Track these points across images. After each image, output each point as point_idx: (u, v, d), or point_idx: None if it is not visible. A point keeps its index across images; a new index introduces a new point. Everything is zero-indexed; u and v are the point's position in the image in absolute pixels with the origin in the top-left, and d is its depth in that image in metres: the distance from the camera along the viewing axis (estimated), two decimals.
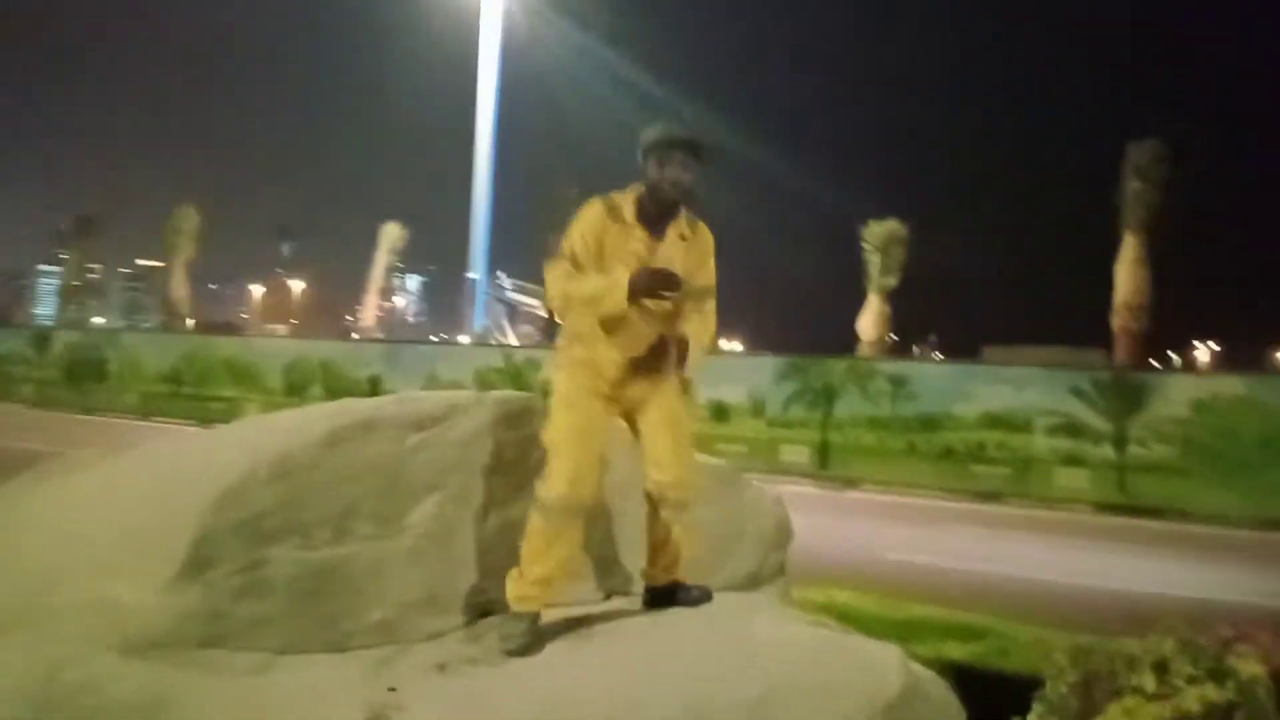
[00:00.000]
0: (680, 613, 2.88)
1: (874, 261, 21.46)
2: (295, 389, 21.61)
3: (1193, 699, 2.23)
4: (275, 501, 2.67)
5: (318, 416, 2.91)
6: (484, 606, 2.90)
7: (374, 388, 20.28)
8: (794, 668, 2.37)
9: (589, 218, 2.87)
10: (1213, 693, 2.23)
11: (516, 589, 2.75)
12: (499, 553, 2.96)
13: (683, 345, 2.81)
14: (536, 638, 2.67)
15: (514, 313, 35.86)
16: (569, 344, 2.92)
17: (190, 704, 2.30)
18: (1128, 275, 20.02)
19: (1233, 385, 15.02)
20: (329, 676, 2.49)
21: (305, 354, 22.17)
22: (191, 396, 22.47)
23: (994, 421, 16.10)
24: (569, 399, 2.84)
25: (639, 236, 2.85)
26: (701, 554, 3.05)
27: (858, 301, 21.65)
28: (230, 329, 31.49)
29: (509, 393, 3.20)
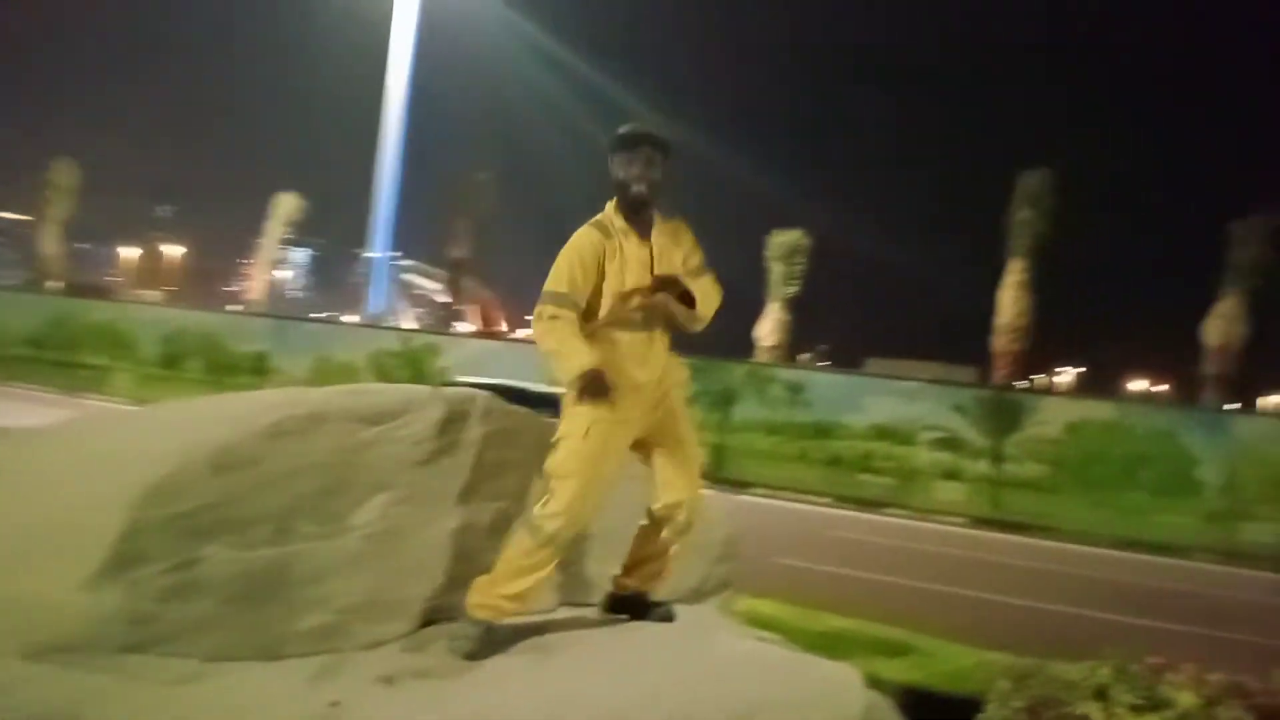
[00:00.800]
0: (640, 626, 2.82)
1: (776, 270, 21.90)
2: (173, 361, 20.46)
3: None
4: (213, 496, 2.48)
5: (262, 405, 2.72)
6: (428, 614, 2.78)
7: (260, 364, 19.40)
8: (763, 686, 2.36)
9: (580, 245, 2.78)
10: None
11: (482, 598, 2.63)
12: (447, 558, 2.84)
13: (687, 293, 2.84)
14: (488, 644, 2.58)
15: (412, 295, 34.92)
16: (592, 368, 2.82)
17: (110, 714, 2.11)
18: (1011, 298, 21.11)
19: (1103, 410, 16.03)
20: (264, 687, 2.32)
21: (185, 325, 20.97)
22: (56, 363, 20.93)
23: (882, 433, 16.69)
24: (587, 430, 2.68)
25: (632, 245, 2.82)
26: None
27: (759, 307, 22.05)
28: (102, 292, 29.42)
29: (463, 390, 3.07)
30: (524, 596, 2.66)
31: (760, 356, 21.37)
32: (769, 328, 21.86)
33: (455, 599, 2.82)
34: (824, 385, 17.39)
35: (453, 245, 25.21)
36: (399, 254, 33.34)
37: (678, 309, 2.85)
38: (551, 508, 2.63)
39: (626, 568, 2.97)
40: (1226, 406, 17.58)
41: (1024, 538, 14.30)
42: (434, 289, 31.12)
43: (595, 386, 2.59)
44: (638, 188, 2.81)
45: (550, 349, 2.71)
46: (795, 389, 17.24)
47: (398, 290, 33.77)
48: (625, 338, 2.80)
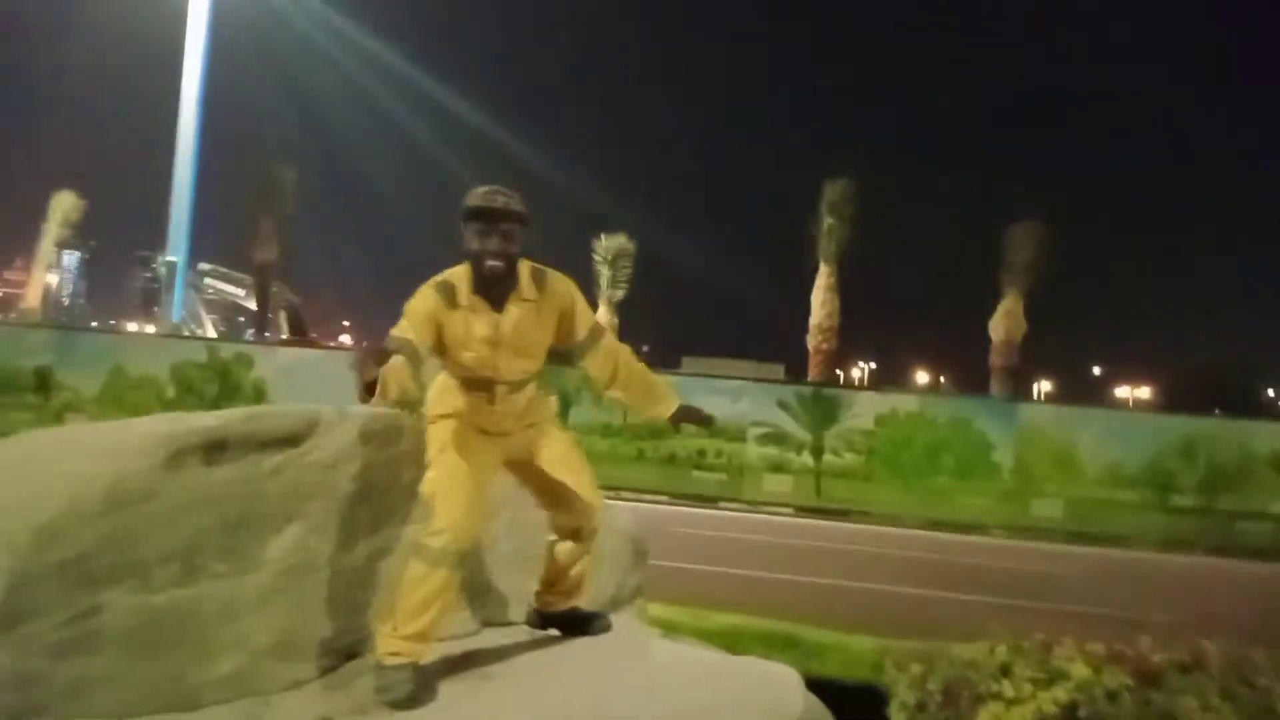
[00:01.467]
0: (573, 641, 2.79)
1: (604, 273, 22.19)
2: None
3: (1047, 701, 2.59)
4: (107, 537, 2.24)
5: (148, 432, 2.46)
6: (347, 649, 2.63)
7: (43, 381, 17.43)
8: (710, 689, 2.41)
9: (419, 309, 2.62)
10: (1062, 694, 2.61)
11: (388, 644, 2.46)
12: (365, 588, 2.71)
13: (692, 417, 3.03)
14: (422, 685, 2.43)
15: (212, 302, 32.23)
16: (440, 396, 2.73)
17: None
18: (821, 301, 22.50)
19: (908, 402, 17.31)
20: None
21: None
22: None
23: (712, 430, 17.25)
24: (449, 444, 2.62)
25: (480, 315, 2.65)
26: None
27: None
28: None
29: (373, 409, 2.91)
30: (427, 632, 2.50)
31: None
32: None
33: (374, 631, 2.69)
34: None
35: (257, 247, 23.71)
36: (197, 257, 30.79)
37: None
38: (434, 525, 2.52)
39: (546, 584, 2.93)
40: (1012, 395, 19.43)
41: (845, 523, 15.24)
42: (237, 294, 29.01)
43: (373, 356, 2.33)
44: (493, 263, 2.62)
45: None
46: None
47: (196, 296, 31.08)
48: (469, 395, 2.71)
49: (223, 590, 2.40)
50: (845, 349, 23.18)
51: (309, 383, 17.83)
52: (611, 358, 2.86)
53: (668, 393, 2.99)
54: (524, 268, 2.73)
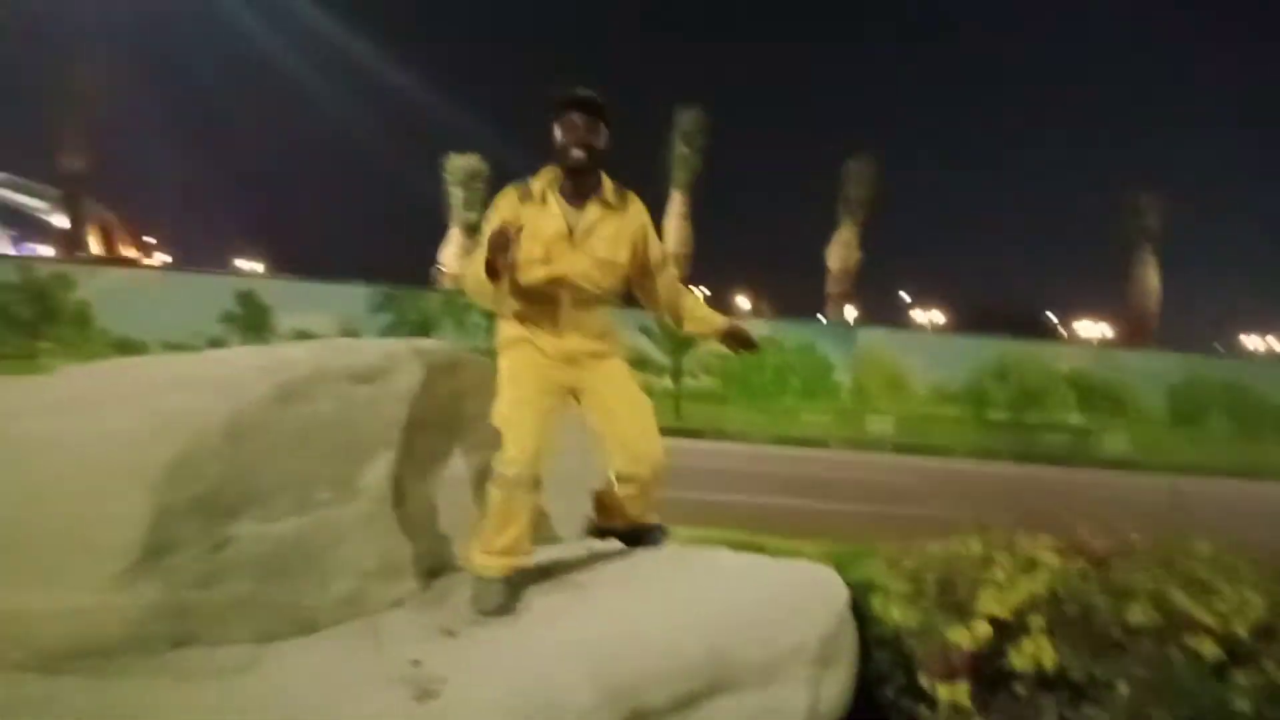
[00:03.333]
0: (642, 554, 3.02)
1: (456, 195, 21.68)
2: None
3: (1031, 585, 3.12)
4: (232, 469, 2.28)
5: (253, 366, 2.47)
6: (434, 569, 2.78)
7: None
8: (782, 589, 2.74)
9: (500, 207, 2.79)
10: (1042, 578, 3.14)
11: (480, 559, 2.63)
12: (445, 512, 2.85)
13: (739, 334, 3.10)
14: (511, 596, 2.62)
15: (10, 215, 28.53)
16: (505, 325, 2.85)
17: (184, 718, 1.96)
18: (675, 228, 23.04)
19: (760, 327, 18.26)
20: (332, 660, 2.25)
21: None
22: None
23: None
24: (512, 375, 2.75)
25: (555, 212, 2.75)
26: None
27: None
28: None
29: (435, 343, 3.00)
30: (514, 548, 2.66)
31: (444, 283, 21.21)
32: (452, 253, 21.70)
33: (451, 553, 2.85)
34: None
35: (63, 155, 21.34)
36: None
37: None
38: (505, 454, 2.65)
39: (602, 508, 3.07)
40: (849, 320, 20.81)
41: (703, 442, 16.07)
42: (38, 207, 25.88)
43: (497, 243, 2.56)
44: (576, 153, 2.72)
45: (462, 288, 2.82)
46: (493, 315, 17.40)
47: None
48: (535, 309, 2.81)
49: (331, 517, 2.49)
50: (694, 276, 23.99)
51: (138, 306, 16.59)
52: (676, 286, 3.03)
53: (713, 313, 3.15)
54: (608, 182, 2.82)
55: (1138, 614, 2.90)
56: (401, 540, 2.67)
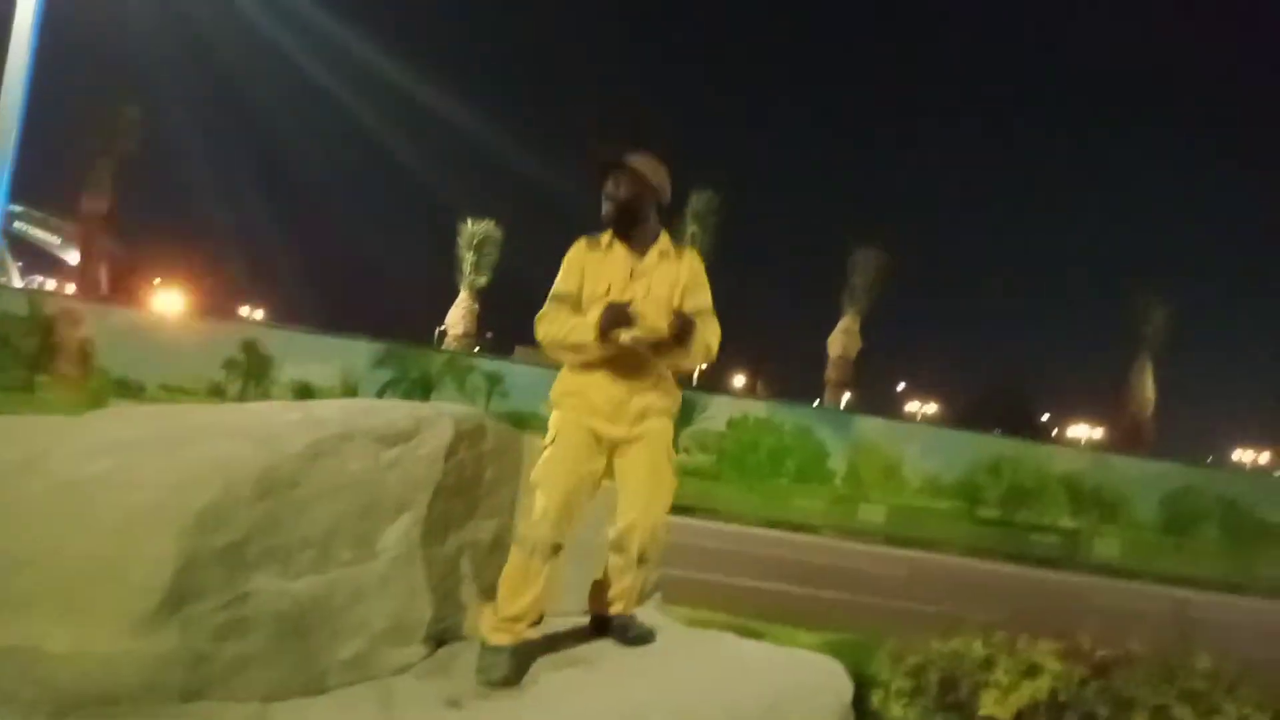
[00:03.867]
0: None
1: (468, 259, 21.96)
2: None
3: (1033, 689, 3.11)
4: (258, 522, 2.31)
5: (286, 422, 2.52)
6: (441, 635, 2.78)
7: None
8: (782, 680, 2.74)
9: (570, 256, 2.90)
10: (1044, 683, 3.14)
11: (493, 622, 2.64)
12: (456, 577, 2.86)
13: (688, 325, 2.78)
14: (518, 667, 2.61)
15: (24, 249, 28.76)
16: (564, 376, 2.90)
17: None
18: None
19: (758, 408, 18.33)
20: None
21: None
22: None
23: None
24: (558, 435, 2.79)
25: (618, 257, 2.86)
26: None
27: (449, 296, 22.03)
28: None
29: (462, 407, 3.05)
30: (524, 614, 2.67)
31: (450, 344, 21.36)
32: (458, 315, 21.88)
33: (460, 619, 2.86)
34: (521, 375, 17.80)
35: (88, 194, 21.59)
36: (18, 204, 27.03)
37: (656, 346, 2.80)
38: (533, 513, 2.68)
39: (595, 585, 3.01)
40: (846, 407, 20.89)
41: (695, 519, 15.95)
42: (53, 242, 26.00)
43: (616, 316, 2.68)
44: (605, 209, 2.87)
45: (546, 338, 2.81)
46: (494, 379, 17.49)
47: (4, 242, 27.49)
48: (593, 370, 2.82)
49: (350, 577, 2.51)
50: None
51: (140, 348, 16.66)
52: (710, 335, 2.92)
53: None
54: (664, 234, 2.95)
55: None
56: (413, 604, 2.68)
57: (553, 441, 2.79)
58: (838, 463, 17.93)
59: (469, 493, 2.92)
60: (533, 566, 2.66)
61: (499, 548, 2.95)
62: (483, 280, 22.03)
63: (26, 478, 2.28)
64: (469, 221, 21.97)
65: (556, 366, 2.99)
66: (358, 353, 17.05)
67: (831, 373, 22.97)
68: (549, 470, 2.73)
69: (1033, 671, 3.17)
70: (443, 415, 2.88)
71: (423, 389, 17.07)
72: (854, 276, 22.81)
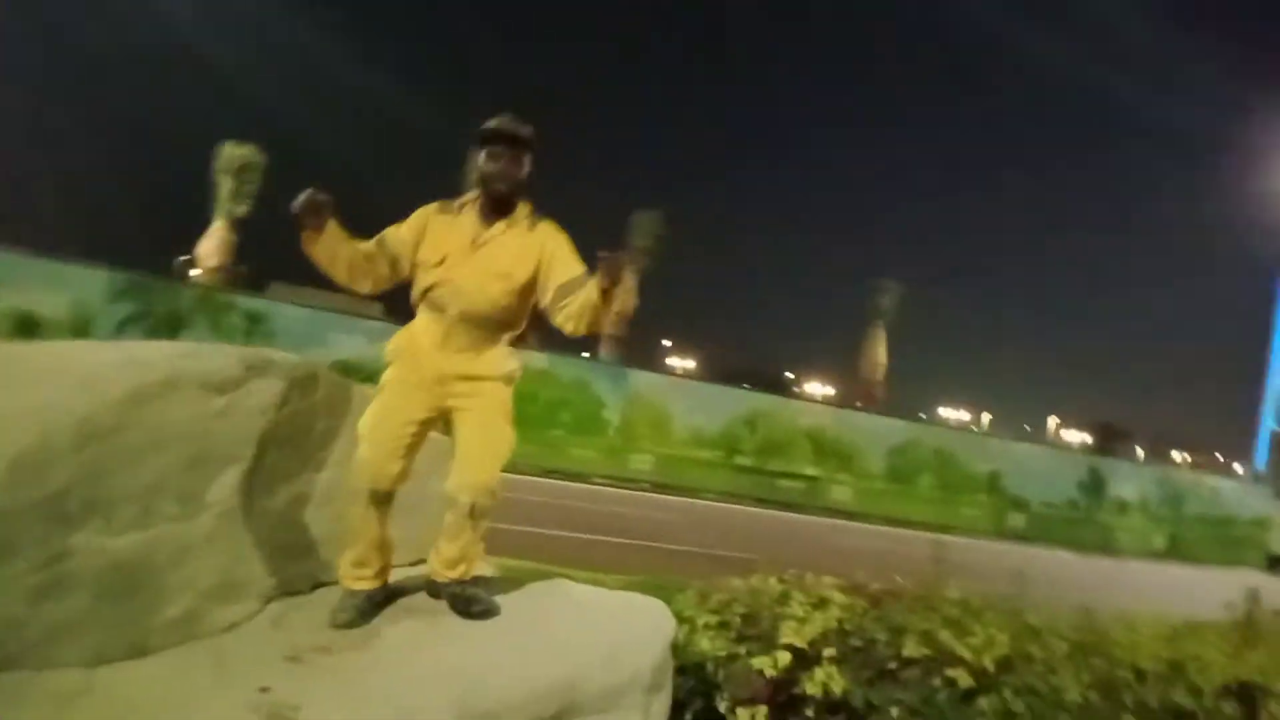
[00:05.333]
0: (491, 584, 2.99)
1: (225, 185, 20.14)
2: None
3: (825, 620, 3.45)
4: (77, 474, 2.11)
5: (102, 363, 2.27)
6: (272, 592, 2.65)
7: None
8: (618, 619, 2.87)
9: (416, 214, 2.85)
10: (834, 614, 3.49)
11: (341, 569, 2.68)
12: (288, 531, 2.74)
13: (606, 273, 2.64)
14: (362, 613, 2.62)
15: None
16: (397, 335, 2.84)
17: None
18: None
19: (539, 359, 18.46)
20: (174, 686, 2.13)
21: None
22: None
23: (347, 369, 16.75)
24: (383, 387, 2.76)
25: (466, 224, 2.81)
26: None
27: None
28: None
29: (294, 357, 2.87)
30: (365, 560, 2.69)
31: (202, 277, 19.59)
32: (211, 246, 20.09)
33: (291, 573, 2.76)
34: (290, 318, 16.74)
35: None
36: None
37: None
38: (357, 466, 2.68)
39: (434, 549, 2.87)
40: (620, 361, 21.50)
41: None
42: None
43: (303, 204, 2.58)
44: (496, 186, 2.80)
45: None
46: (255, 319, 16.30)
47: None
48: (425, 318, 2.82)
49: (175, 533, 2.34)
50: None
51: None
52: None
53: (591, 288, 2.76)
54: (525, 206, 2.88)
55: (911, 647, 3.35)
56: (242, 560, 2.54)
57: (379, 392, 2.78)
58: (612, 414, 18.53)
59: (300, 444, 2.79)
60: (360, 513, 2.68)
61: (331, 499, 2.86)
62: (242, 209, 20.31)
63: None
64: (228, 145, 20.10)
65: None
66: (93, 283, 15.21)
67: (609, 328, 23.62)
68: (372, 421, 2.71)
69: (822, 604, 3.55)
70: (273, 363, 2.71)
71: (169, 327, 15.58)
72: (635, 237, 23.42)
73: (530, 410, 17.71)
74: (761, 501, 19.36)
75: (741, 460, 19.80)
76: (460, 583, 2.79)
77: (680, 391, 19.81)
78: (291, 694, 2.17)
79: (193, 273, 20.24)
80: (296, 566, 2.76)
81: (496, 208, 2.86)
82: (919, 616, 3.52)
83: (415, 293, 2.85)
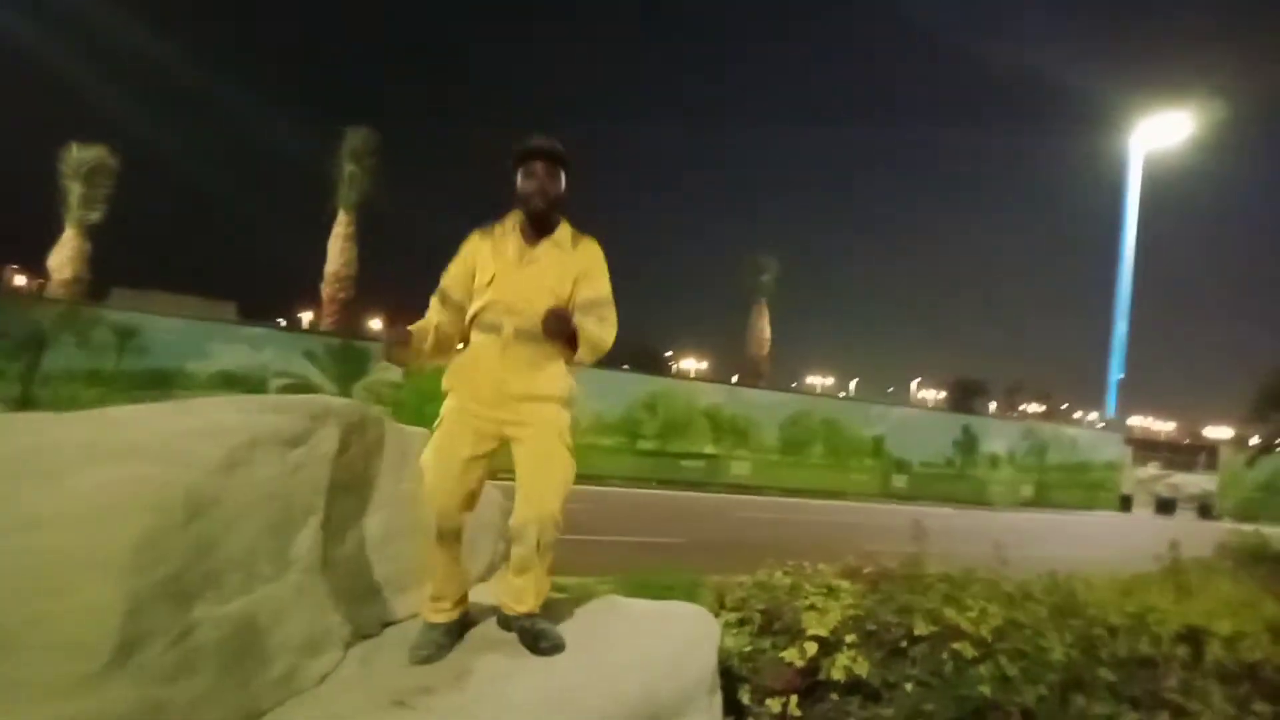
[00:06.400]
0: (554, 605, 3.02)
1: (74, 190, 18.72)
2: None
3: (840, 607, 3.67)
4: (191, 549, 2.07)
5: (186, 431, 2.21)
6: (351, 637, 2.66)
7: None
8: (674, 629, 3.00)
9: (464, 250, 2.89)
10: (846, 601, 3.71)
11: (423, 604, 2.75)
12: (357, 576, 2.74)
13: (561, 313, 2.74)
14: (441, 646, 2.68)
15: None
16: (455, 360, 2.86)
17: None
18: (338, 249, 21.97)
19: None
20: None
21: None
22: None
23: (230, 380, 16.09)
24: (444, 420, 2.79)
25: (511, 245, 2.85)
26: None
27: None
28: None
29: (345, 400, 2.83)
30: (442, 594, 2.74)
31: (55, 290, 18.21)
32: (65, 257, 18.68)
33: (364, 617, 2.76)
34: (164, 330, 15.82)
35: None
36: None
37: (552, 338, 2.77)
38: (423, 500, 2.70)
39: (500, 586, 2.92)
40: None
41: None
42: None
43: (390, 345, 2.81)
44: (536, 203, 2.85)
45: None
46: (128, 334, 15.35)
47: None
48: (480, 339, 2.83)
49: (271, 593, 2.31)
50: (359, 299, 22.88)
51: None
52: (605, 329, 2.91)
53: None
54: (565, 223, 2.94)
55: (921, 626, 3.64)
56: (325, 611, 2.53)
57: (439, 427, 2.80)
58: None
59: (357, 488, 2.79)
60: (434, 549, 2.72)
61: (390, 540, 2.88)
62: (95, 215, 18.95)
63: None
64: (74, 148, 18.68)
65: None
66: None
67: None
68: (434, 456, 2.73)
69: (832, 593, 3.79)
70: (331, 410, 2.70)
71: (34, 346, 14.48)
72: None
73: (430, 410, 17.40)
74: (666, 483, 19.77)
75: (644, 444, 20.14)
76: (530, 616, 2.80)
77: (580, 378, 19.92)
78: None
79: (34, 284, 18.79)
80: (367, 610, 2.77)
81: (537, 226, 2.90)
82: (921, 596, 3.82)
83: (467, 317, 2.87)
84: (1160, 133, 31.26)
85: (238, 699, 2.16)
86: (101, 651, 1.81)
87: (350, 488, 2.74)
